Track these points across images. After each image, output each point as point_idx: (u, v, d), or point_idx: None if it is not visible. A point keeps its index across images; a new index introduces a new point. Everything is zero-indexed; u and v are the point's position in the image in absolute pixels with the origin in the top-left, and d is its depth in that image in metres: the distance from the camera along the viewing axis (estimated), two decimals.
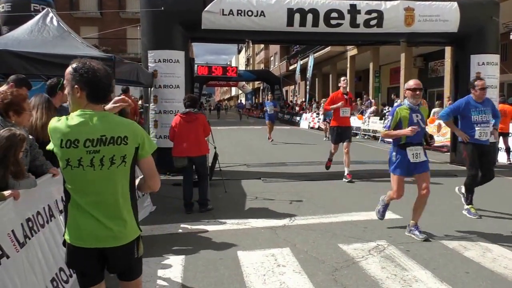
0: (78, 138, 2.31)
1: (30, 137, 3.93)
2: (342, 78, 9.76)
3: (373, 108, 21.32)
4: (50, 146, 2.41)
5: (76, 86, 2.37)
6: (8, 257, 2.87)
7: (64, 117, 2.39)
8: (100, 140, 2.33)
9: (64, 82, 2.46)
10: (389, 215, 6.60)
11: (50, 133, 2.37)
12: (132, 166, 2.46)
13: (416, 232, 5.51)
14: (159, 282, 4.21)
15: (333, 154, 9.85)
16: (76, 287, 3.70)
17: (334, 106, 9.36)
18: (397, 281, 4.19)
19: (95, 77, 2.35)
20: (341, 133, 9.38)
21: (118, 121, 2.44)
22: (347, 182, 9.17)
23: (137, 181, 2.63)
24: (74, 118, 2.35)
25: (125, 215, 2.44)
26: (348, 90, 9.92)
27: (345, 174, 9.32)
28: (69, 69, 2.41)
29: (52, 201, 3.92)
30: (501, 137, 11.97)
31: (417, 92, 5.40)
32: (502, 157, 12.11)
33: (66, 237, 2.46)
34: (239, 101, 65.90)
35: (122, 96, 2.88)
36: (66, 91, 2.48)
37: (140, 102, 13.07)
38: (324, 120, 19.92)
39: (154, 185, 2.59)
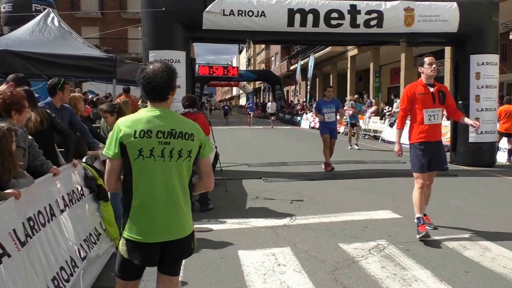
0: (151, 129, 2.48)
1: (30, 137, 3.94)
2: (427, 58, 5.64)
3: (373, 108, 21.34)
4: (110, 152, 2.50)
5: (141, 87, 2.61)
6: (9, 256, 2.88)
7: (134, 114, 2.61)
8: (170, 133, 2.50)
9: None
10: (388, 214, 6.64)
11: (121, 127, 2.49)
12: (193, 163, 2.61)
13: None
14: None
15: (421, 200, 5.57)
16: (76, 285, 3.73)
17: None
18: (396, 281, 4.21)
19: (146, 79, 2.52)
20: (429, 154, 5.56)
21: (184, 119, 2.66)
22: (422, 235, 5.31)
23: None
24: (146, 112, 2.55)
25: (186, 208, 2.62)
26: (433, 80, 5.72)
27: (420, 216, 5.50)
28: None
29: (53, 200, 3.93)
30: (505, 138, 12.00)
31: None
32: (502, 157, 12.12)
33: (130, 234, 2.52)
34: (249, 102, 42.45)
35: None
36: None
37: (140, 102, 13.09)
38: (353, 124, 16.22)
39: (210, 182, 2.77)
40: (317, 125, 25.21)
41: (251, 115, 32.57)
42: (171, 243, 2.55)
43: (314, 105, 10.93)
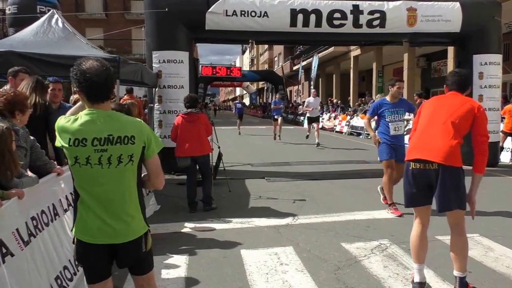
0: (86, 137, 2.35)
1: (31, 137, 3.96)
2: None
3: None
4: (57, 143, 2.44)
5: (75, 88, 2.45)
6: (12, 255, 2.90)
7: (72, 117, 2.44)
8: (107, 139, 2.36)
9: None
10: (391, 214, 6.62)
11: (58, 132, 2.41)
12: (139, 164, 2.50)
13: None
14: (163, 280, 4.24)
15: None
16: (80, 285, 3.75)
17: None
18: (399, 280, 4.21)
19: (85, 78, 2.36)
20: None
21: (125, 121, 2.48)
22: None
23: None
24: (82, 117, 2.40)
25: (132, 212, 2.49)
26: None
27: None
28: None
29: (57, 200, 3.96)
30: (509, 138, 11.98)
31: None
32: (505, 157, 12.09)
33: (75, 233, 2.50)
34: (276, 99, 20.38)
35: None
36: None
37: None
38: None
39: (159, 183, 2.63)
40: (320, 125, 21.74)
41: (279, 120, 18.13)
42: (118, 246, 2.47)
43: (370, 108, 6.55)
